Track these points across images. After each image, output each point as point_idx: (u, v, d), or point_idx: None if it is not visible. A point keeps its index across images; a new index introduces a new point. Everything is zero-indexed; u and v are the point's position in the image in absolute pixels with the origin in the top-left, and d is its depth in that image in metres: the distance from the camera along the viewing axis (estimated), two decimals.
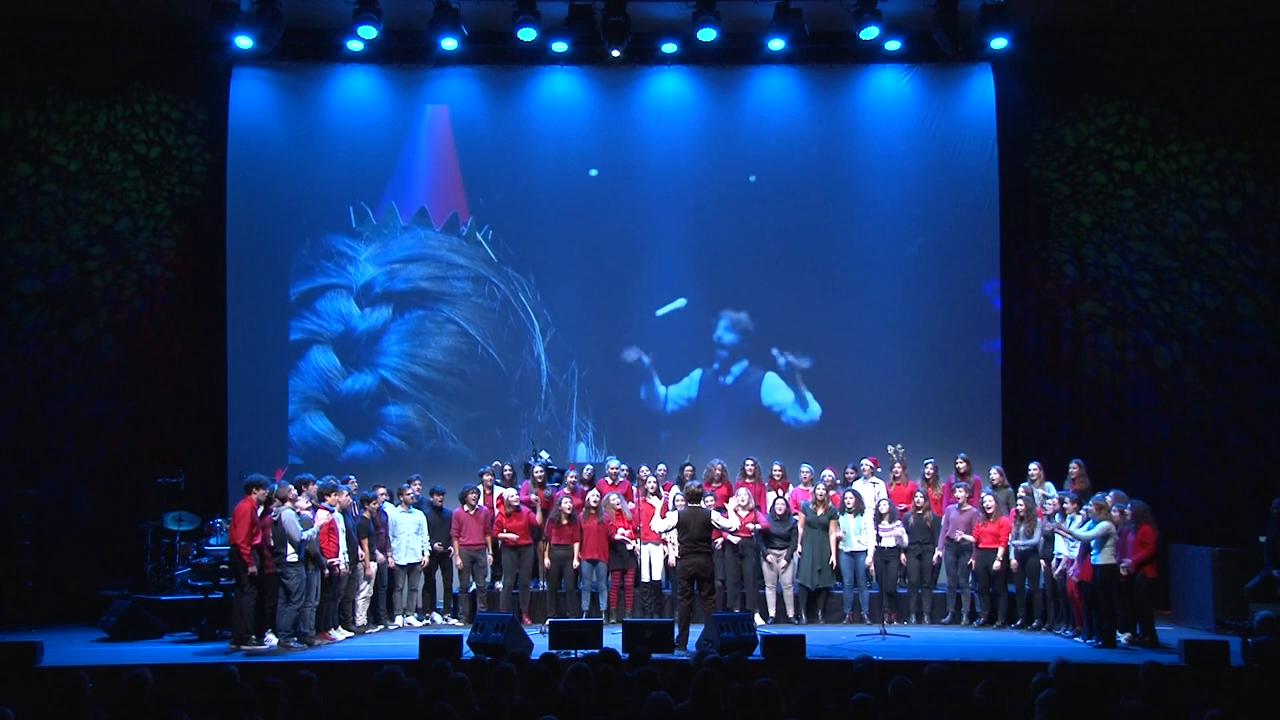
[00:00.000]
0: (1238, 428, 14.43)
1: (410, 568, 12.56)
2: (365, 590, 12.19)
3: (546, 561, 12.64)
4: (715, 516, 11.54)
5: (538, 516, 12.76)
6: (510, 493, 12.71)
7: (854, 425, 14.53)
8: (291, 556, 10.95)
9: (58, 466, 14.12)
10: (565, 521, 12.51)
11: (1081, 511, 11.47)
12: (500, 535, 12.58)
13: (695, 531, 11.20)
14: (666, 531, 11.92)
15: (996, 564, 12.30)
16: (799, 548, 12.76)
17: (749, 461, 13.32)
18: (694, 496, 11.51)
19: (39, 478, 13.84)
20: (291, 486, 11.26)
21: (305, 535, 11.03)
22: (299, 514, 11.08)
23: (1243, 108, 14.53)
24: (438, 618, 12.74)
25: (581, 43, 13.86)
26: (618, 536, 12.57)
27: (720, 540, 12.43)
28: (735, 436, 14.46)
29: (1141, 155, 14.84)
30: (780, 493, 13.05)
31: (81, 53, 14.36)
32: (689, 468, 13.29)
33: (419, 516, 12.63)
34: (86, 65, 14.41)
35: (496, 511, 12.72)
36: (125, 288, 14.49)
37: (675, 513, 11.69)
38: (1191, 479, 14.46)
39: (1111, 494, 11.46)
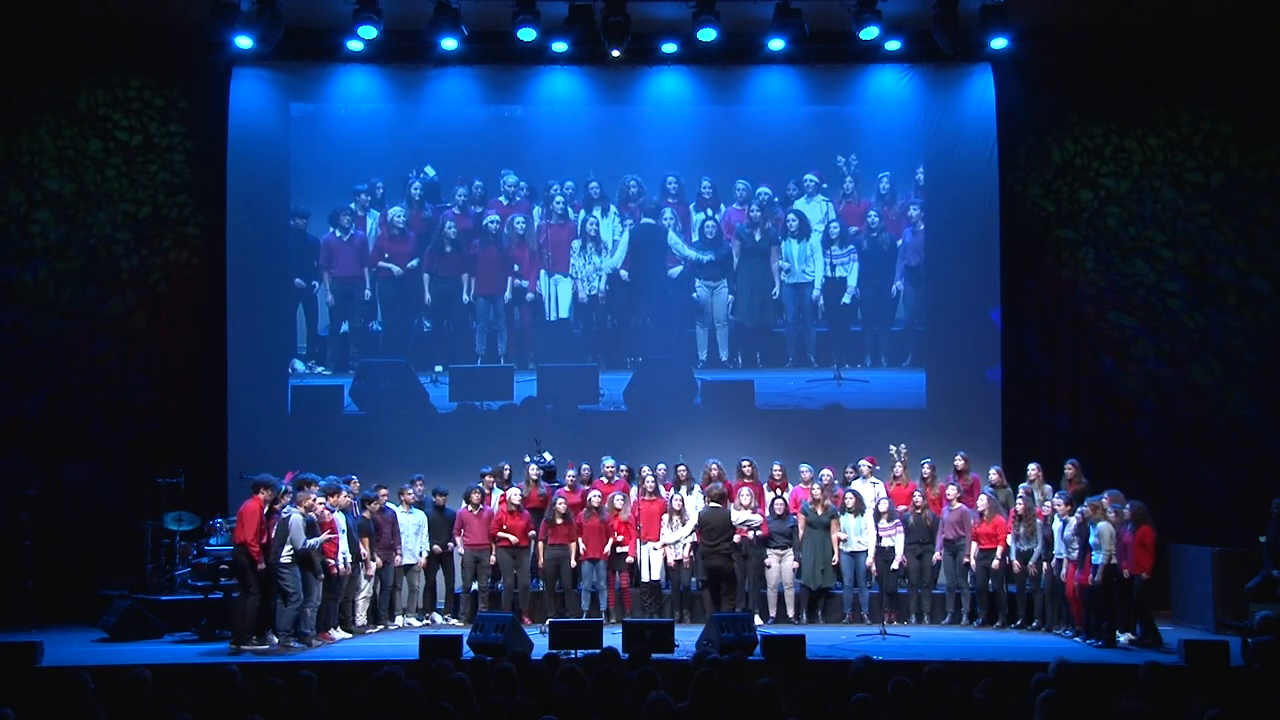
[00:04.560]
0: (1239, 425, 14.42)
1: (410, 568, 12.57)
2: (365, 590, 12.20)
3: (543, 561, 12.65)
4: (736, 516, 11.53)
5: (529, 518, 12.76)
6: (514, 492, 12.73)
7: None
8: (285, 558, 10.95)
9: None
10: (560, 521, 12.52)
11: (1077, 514, 11.47)
12: (498, 534, 12.59)
13: (716, 532, 11.22)
14: (685, 538, 11.96)
15: (995, 563, 12.30)
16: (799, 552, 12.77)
17: (745, 462, 13.34)
18: (718, 498, 11.54)
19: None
20: (314, 494, 11.29)
21: (307, 544, 11.01)
22: (306, 516, 11.09)
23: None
24: (438, 618, 12.75)
25: (581, 43, 13.86)
26: (618, 550, 12.55)
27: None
28: (734, 436, 14.46)
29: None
30: (780, 492, 13.06)
31: (81, 51, 14.32)
32: (683, 467, 13.29)
33: (420, 517, 12.64)
34: (84, 66, 14.39)
35: (498, 510, 12.73)
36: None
37: (696, 513, 11.74)
38: (1191, 479, 14.45)
39: (1107, 494, 11.46)
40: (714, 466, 13.23)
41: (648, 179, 15.01)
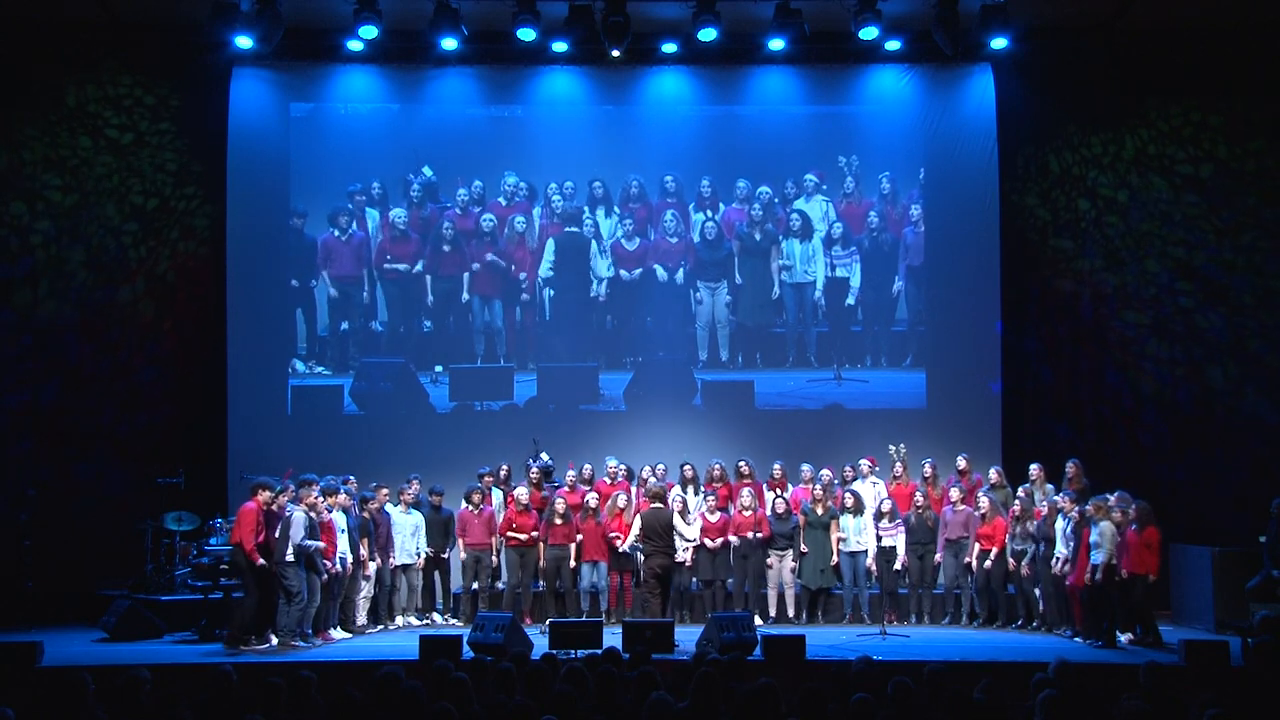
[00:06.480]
0: (1242, 425, 14.42)
1: (406, 568, 12.57)
2: (365, 590, 12.20)
3: (544, 561, 12.65)
4: (677, 521, 11.56)
5: (535, 517, 12.75)
6: (521, 491, 12.74)
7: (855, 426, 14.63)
8: (289, 556, 10.95)
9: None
10: (560, 521, 12.51)
11: (1075, 512, 11.47)
12: (507, 534, 12.59)
13: (659, 531, 11.25)
14: (634, 541, 12.06)
15: (988, 564, 12.30)
16: (803, 547, 12.77)
17: (743, 463, 13.33)
18: (656, 496, 11.57)
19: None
20: (315, 493, 11.30)
21: (305, 544, 11.00)
22: (308, 515, 11.09)
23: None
24: (438, 618, 12.75)
25: (581, 43, 13.85)
26: (619, 546, 12.54)
27: (720, 540, 12.52)
28: (734, 436, 14.45)
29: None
30: (780, 492, 13.06)
31: (71, 49, 14.29)
32: (688, 466, 13.30)
33: (418, 517, 12.64)
34: (74, 63, 14.36)
35: (506, 509, 12.74)
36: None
37: (638, 516, 11.78)
38: (1193, 479, 14.45)
39: (1116, 495, 11.46)
40: (716, 466, 13.23)
41: (648, 179, 15.02)
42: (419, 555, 12.59)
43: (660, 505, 11.61)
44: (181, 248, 14.65)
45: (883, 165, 15.01)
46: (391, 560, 12.39)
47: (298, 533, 10.96)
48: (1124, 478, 12.60)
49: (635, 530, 12.06)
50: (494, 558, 12.72)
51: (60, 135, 14.34)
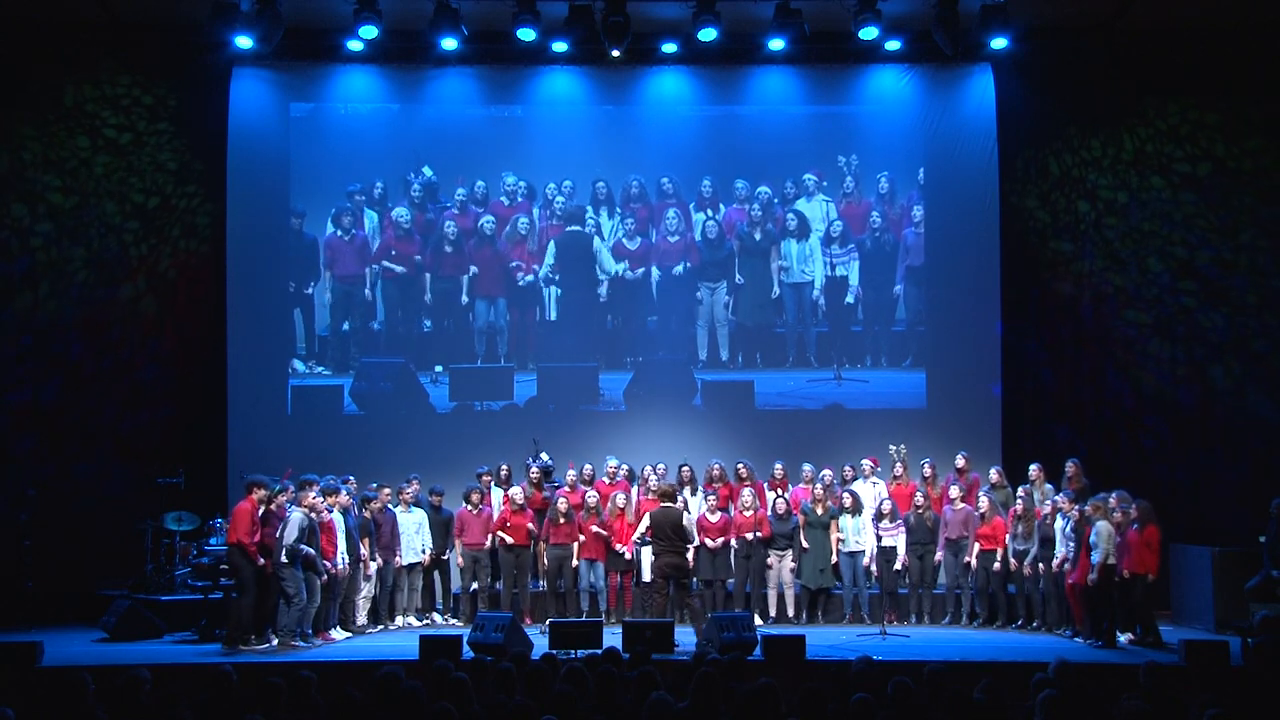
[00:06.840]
0: (1245, 425, 14.41)
1: (410, 568, 12.57)
2: (365, 590, 12.20)
3: (545, 561, 12.64)
4: (686, 519, 11.60)
5: (532, 518, 12.74)
6: (516, 490, 12.74)
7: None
8: (285, 558, 10.95)
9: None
10: (563, 521, 12.51)
11: (1074, 512, 11.47)
12: (497, 531, 12.58)
13: (668, 531, 11.24)
14: (640, 537, 12.05)
15: (995, 565, 12.31)
16: (804, 545, 12.76)
17: (741, 465, 13.31)
18: (666, 495, 11.56)
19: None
20: (314, 493, 11.29)
21: (296, 544, 10.97)
22: (306, 517, 11.08)
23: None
24: (438, 618, 12.75)
25: (581, 43, 13.86)
26: (617, 549, 12.53)
27: (721, 540, 12.50)
28: (734, 436, 14.45)
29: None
30: (780, 492, 13.06)
31: (70, 49, 14.29)
32: (685, 468, 13.30)
33: (420, 516, 12.64)
34: (72, 63, 14.35)
35: (503, 508, 12.73)
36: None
37: (647, 515, 11.78)
38: (1191, 478, 14.45)
39: (1115, 494, 11.46)
40: (716, 466, 13.23)
41: (648, 179, 15.03)
42: (425, 553, 12.58)
43: (670, 504, 11.57)
44: (183, 246, 14.66)
45: (882, 165, 15.03)
46: (397, 560, 12.40)
47: (291, 534, 10.95)
48: (1124, 478, 12.61)
49: (642, 528, 12.03)
50: (487, 555, 12.71)
51: (58, 135, 14.35)
